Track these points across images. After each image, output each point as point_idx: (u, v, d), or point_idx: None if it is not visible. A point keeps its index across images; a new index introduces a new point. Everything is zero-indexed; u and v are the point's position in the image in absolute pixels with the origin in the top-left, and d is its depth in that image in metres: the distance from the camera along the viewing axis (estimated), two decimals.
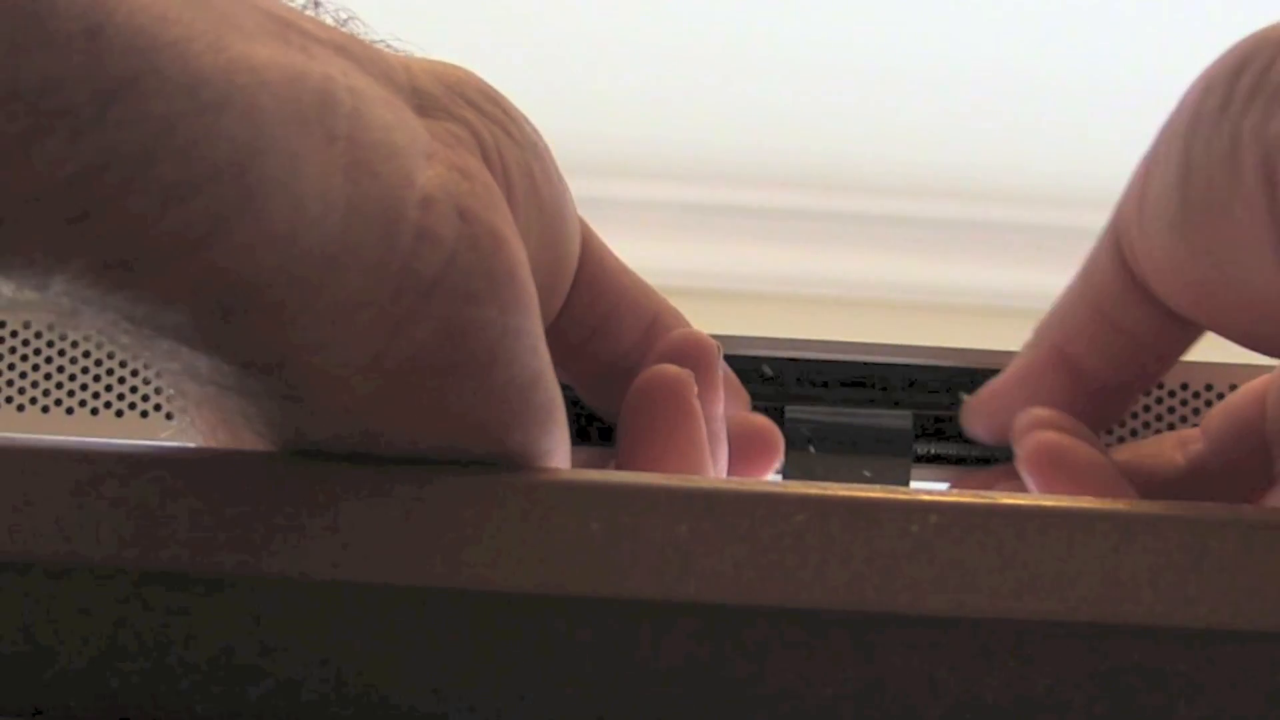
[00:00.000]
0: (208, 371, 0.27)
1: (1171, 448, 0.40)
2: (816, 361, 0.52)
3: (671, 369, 0.35)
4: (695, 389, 0.35)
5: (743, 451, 0.39)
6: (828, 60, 1.28)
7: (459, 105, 0.30)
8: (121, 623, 0.27)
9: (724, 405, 0.39)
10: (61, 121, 0.23)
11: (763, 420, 0.40)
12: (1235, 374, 0.47)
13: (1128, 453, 0.40)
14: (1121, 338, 0.37)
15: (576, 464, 0.34)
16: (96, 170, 0.23)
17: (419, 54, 0.32)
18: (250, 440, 0.30)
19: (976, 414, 0.42)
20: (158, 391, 0.63)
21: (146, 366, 0.29)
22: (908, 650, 0.27)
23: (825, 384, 0.52)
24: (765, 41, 1.27)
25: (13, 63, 0.22)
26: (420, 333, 0.28)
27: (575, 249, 0.36)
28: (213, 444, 0.31)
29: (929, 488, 0.42)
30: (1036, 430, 0.37)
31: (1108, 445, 0.42)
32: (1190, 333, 0.37)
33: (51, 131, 0.23)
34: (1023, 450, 0.37)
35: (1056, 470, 0.37)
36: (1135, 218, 0.35)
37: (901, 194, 1.37)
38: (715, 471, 0.37)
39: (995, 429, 0.41)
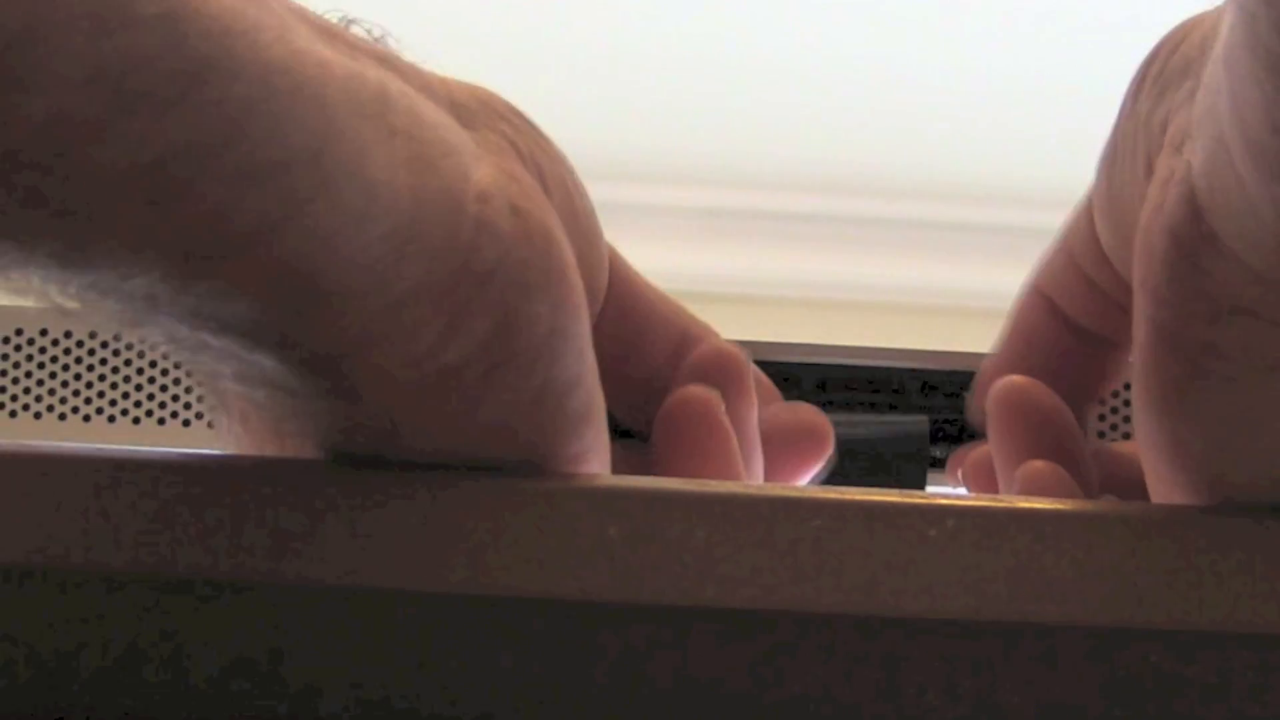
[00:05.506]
0: (267, 371, 0.28)
1: None
2: (833, 366, 0.52)
3: (698, 390, 0.36)
4: (723, 406, 0.36)
5: (793, 444, 0.39)
6: (847, 67, 1.28)
7: (494, 119, 0.31)
8: (141, 629, 0.27)
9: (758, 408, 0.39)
10: (143, 103, 0.23)
11: (809, 410, 0.40)
12: None
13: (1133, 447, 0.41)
14: (1093, 291, 0.38)
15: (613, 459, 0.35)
16: (178, 153, 0.24)
17: (433, 64, 0.33)
18: (292, 452, 0.30)
19: (984, 390, 0.42)
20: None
21: (194, 377, 0.30)
22: (925, 654, 0.27)
23: (842, 388, 0.52)
24: (783, 49, 1.27)
25: (96, 44, 0.22)
26: (476, 324, 0.28)
27: (606, 266, 0.36)
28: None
29: (946, 491, 0.42)
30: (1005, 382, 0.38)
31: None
32: None
33: (134, 113, 0.23)
34: (990, 398, 0.38)
35: (1012, 412, 0.38)
36: (1097, 187, 0.36)
37: (918, 198, 1.36)
38: (751, 477, 0.37)
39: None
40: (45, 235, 0.24)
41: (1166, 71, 0.32)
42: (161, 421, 0.64)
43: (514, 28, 1.18)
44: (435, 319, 0.27)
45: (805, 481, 0.40)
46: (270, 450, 0.31)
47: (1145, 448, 0.31)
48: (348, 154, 0.26)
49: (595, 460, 0.31)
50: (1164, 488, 0.31)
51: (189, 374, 0.31)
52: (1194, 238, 0.28)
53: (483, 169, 0.29)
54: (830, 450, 0.40)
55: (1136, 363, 0.30)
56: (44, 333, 0.64)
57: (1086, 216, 0.37)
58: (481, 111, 0.31)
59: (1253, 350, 0.28)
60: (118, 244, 0.24)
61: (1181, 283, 0.29)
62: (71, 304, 0.26)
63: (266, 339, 0.27)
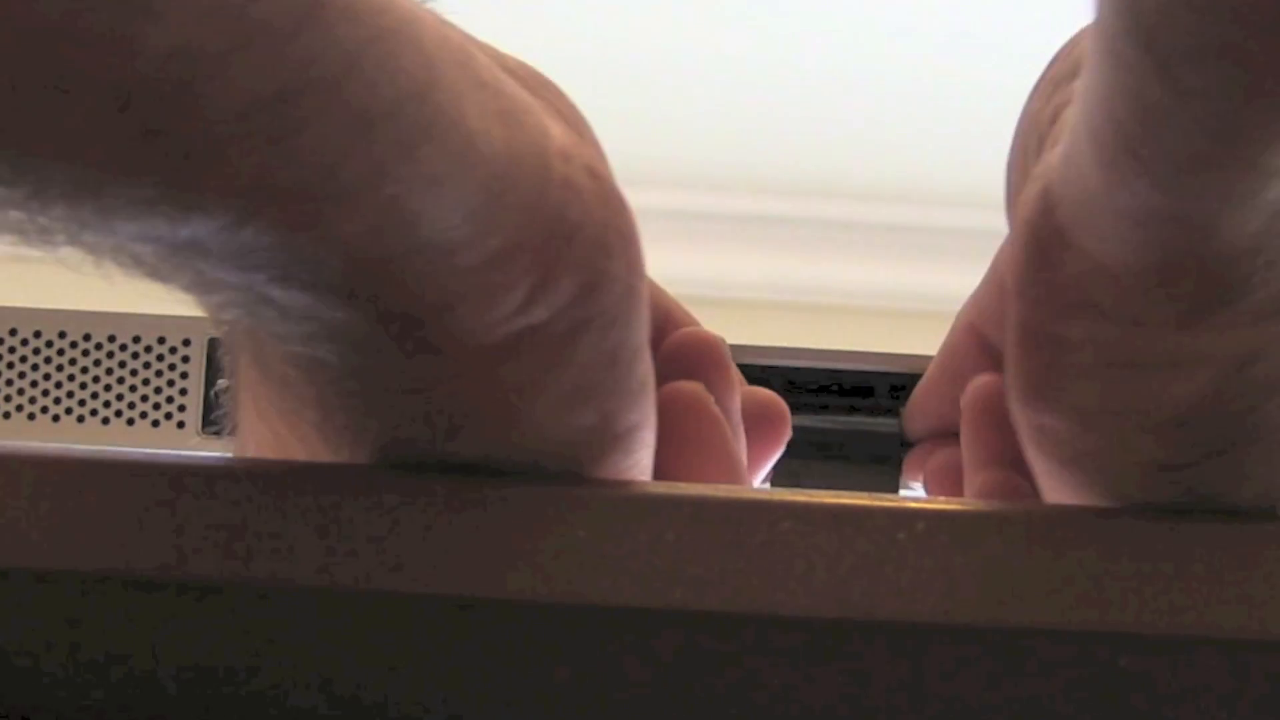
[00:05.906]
0: (343, 329, 0.27)
1: None
2: (805, 369, 0.52)
3: (688, 385, 0.36)
4: (712, 398, 0.36)
5: (754, 427, 0.39)
6: (819, 73, 1.28)
7: (541, 88, 0.31)
8: (176, 631, 0.27)
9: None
10: (263, 37, 0.23)
11: (766, 394, 0.40)
12: None
13: None
14: None
15: None
16: (294, 90, 0.24)
17: None
18: (335, 435, 0.29)
19: (914, 415, 0.42)
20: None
21: (238, 343, 0.29)
22: (894, 657, 0.27)
23: (813, 390, 0.52)
24: (754, 55, 1.27)
25: None
26: (565, 283, 0.28)
27: None
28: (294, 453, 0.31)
29: (916, 495, 0.42)
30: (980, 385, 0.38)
31: None
32: None
33: (253, 47, 0.23)
34: (964, 399, 0.38)
35: (983, 414, 0.38)
36: (1006, 195, 0.36)
37: (887, 202, 1.37)
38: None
39: (933, 422, 0.41)
40: (162, 176, 0.24)
41: (1062, 71, 0.32)
42: (156, 424, 0.64)
43: (486, 33, 1.18)
44: (527, 275, 0.27)
45: (767, 465, 0.40)
46: (309, 427, 0.30)
47: (1021, 439, 0.31)
48: (449, 99, 0.26)
49: (647, 432, 0.31)
50: (1043, 482, 0.31)
51: (232, 330, 0.30)
52: (1046, 230, 0.28)
53: (557, 130, 0.29)
54: (789, 432, 0.40)
55: (1005, 356, 0.30)
56: (38, 334, 0.64)
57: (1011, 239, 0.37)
58: (531, 79, 0.31)
59: (1101, 346, 0.28)
60: (235, 185, 0.24)
61: (1035, 276, 0.29)
62: (161, 266, 0.25)
63: (359, 293, 0.26)
